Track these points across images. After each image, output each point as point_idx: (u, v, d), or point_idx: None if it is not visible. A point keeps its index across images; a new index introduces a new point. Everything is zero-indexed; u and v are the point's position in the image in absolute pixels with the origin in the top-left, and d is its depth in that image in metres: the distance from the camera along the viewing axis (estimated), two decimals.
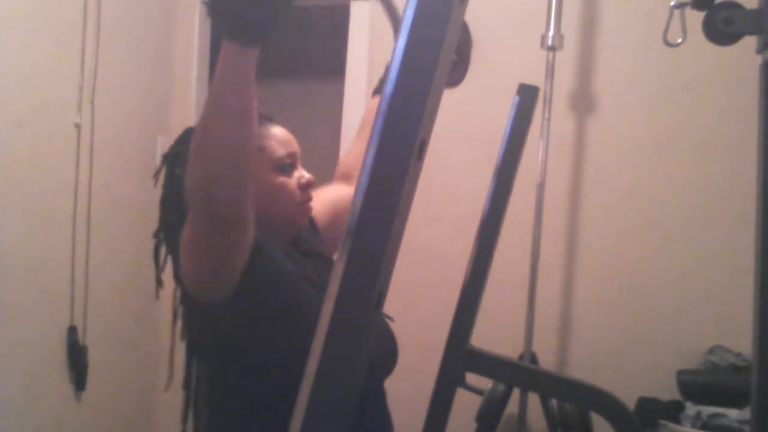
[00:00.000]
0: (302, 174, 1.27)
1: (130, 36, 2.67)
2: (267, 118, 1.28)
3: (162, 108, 2.89)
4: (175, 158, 1.25)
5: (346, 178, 1.53)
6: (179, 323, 1.28)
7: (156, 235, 1.27)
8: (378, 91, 1.62)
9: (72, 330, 2.41)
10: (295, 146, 1.27)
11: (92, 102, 2.44)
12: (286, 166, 1.25)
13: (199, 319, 1.20)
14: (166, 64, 2.91)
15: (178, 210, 1.22)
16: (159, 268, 1.30)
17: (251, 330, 1.16)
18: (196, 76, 2.96)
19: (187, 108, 2.94)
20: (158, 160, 3.01)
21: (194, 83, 2.95)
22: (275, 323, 1.16)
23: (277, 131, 1.26)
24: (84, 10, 2.39)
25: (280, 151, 1.24)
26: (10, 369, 2.18)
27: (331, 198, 1.48)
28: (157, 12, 2.84)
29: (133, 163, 2.72)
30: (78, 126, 2.41)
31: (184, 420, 1.34)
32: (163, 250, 1.28)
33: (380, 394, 1.34)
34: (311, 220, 1.39)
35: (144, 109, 2.78)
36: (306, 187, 1.27)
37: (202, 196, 1.01)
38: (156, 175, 1.31)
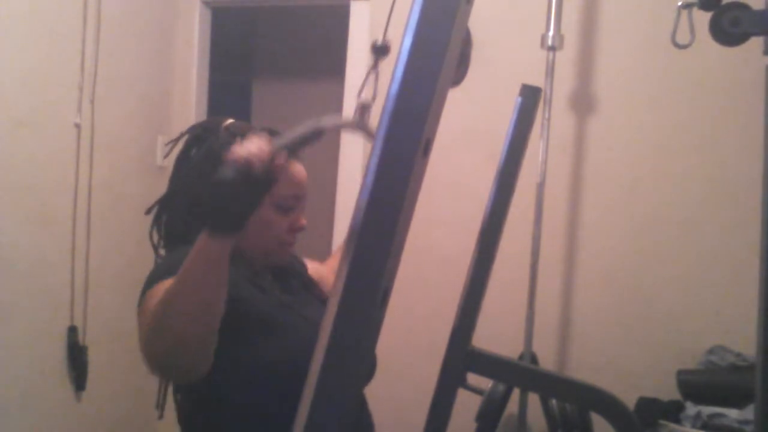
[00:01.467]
0: (299, 219, 1.27)
1: (130, 36, 2.67)
2: (293, 154, 1.27)
3: (162, 108, 2.89)
4: (194, 140, 1.26)
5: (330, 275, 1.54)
6: None
7: (151, 209, 1.28)
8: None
9: (72, 330, 2.41)
10: (302, 189, 1.27)
11: (92, 102, 2.44)
12: (288, 206, 1.25)
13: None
14: (166, 64, 2.91)
15: (181, 189, 1.22)
16: (155, 249, 1.30)
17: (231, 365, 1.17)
18: (196, 76, 2.96)
19: (187, 108, 2.94)
20: (158, 160, 3.01)
21: (194, 83, 2.95)
22: (247, 351, 1.18)
23: (294, 169, 1.25)
24: (84, 10, 2.39)
25: (286, 191, 1.22)
26: (10, 369, 2.18)
27: (321, 273, 1.49)
28: (157, 12, 2.84)
29: (133, 163, 2.72)
30: (78, 126, 2.41)
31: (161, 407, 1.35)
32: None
33: (362, 403, 1.35)
34: (299, 259, 1.41)
35: (144, 109, 2.78)
36: (296, 232, 1.27)
37: (163, 371, 1.07)
38: (170, 144, 1.31)
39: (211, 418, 1.22)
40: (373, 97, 1.00)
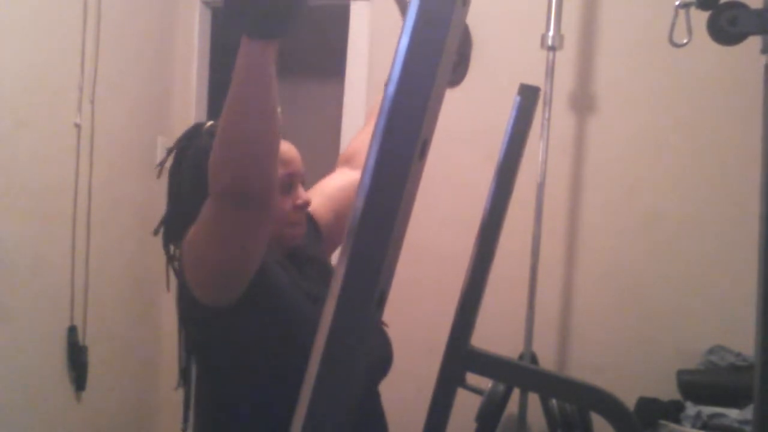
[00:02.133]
0: (299, 195, 1.26)
1: (130, 36, 2.67)
2: None
3: (162, 108, 2.89)
4: (183, 153, 1.25)
5: (349, 161, 1.52)
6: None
7: (157, 231, 1.28)
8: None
9: (72, 330, 2.41)
10: (298, 166, 1.26)
11: (92, 102, 2.44)
12: (286, 185, 1.24)
13: (201, 319, 1.20)
14: (166, 64, 2.91)
15: (183, 204, 1.22)
16: (170, 260, 1.29)
17: (250, 338, 1.17)
18: (196, 76, 2.96)
19: (187, 108, 2.94)
20: (158, 160, 3.01)
21: (194, 83, 2.95)
22: (272, 335, 1.17)
23: (284, 148, 1.25)
24: (84, 10, 2.39)
25: (281, 170, 1.22)
26: (10, 369, 2.18)
27: (333, 190, 1.47)
28: (157, 12, 2.84)
29: (133, 163, 2.72)
30: (78, 126, 2.41)
31: (185, 419, 1.35)
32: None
33: (375, 397, 1.34)
34: (313, 223, 1.38)
35: (144, 109, 2.79)
36: (301, 209, 1.26)
37: (236, 188, 1.00)
38: (160, 164, 1.31)
39: (229, 397, 1.21)
40: None
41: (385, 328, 1.34)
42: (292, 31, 0.88)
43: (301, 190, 1.27)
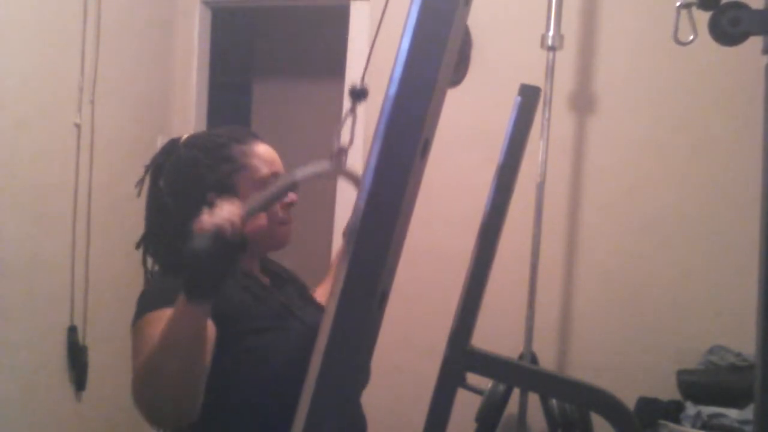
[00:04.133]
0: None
1: (130, 36, 2.67)
2: (252, 135, 1.29)
3: (162, 108, 2.89)
4: (158, 170, 1.27)
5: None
6: None
7: (138, 245, 1.29)
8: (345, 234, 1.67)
9: (72, 330, 2.41)
10: (278, 165, 1.29)
11: (92, 102, 2.44)
12: (270, 185, 1.25)
13: None
14: (166, 64, 2.91)
15: (160, 222, 1.24)
16: (148, 278, 1.31)
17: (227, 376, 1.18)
18: (196, 76, 2.96)
19: (187, 108, 2.94)
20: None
21: (194, 83, 2.95)
22: (244, 368, 1.19)
23: (262, 150, 1.28)
24: (84, 11, 2.39)
25: (264, 170, 1.25)
26: (10, 369, 2.18)
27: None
28: (157, 12, 2.84)
29: (133, 163, 2.70)
30: (78, 126, 2.41)
31: None
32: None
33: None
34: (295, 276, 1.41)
35: (144, 109, 2.78)
36: (288, 207, 1.28)
37: (152, 418, 1.08)
38: (139, 183, 1.32)
39: (212, 422, 1.22)
40: (350, 141, 1.00)
41: None
42: (214, 296, 0.97)
43: None
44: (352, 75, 2.71)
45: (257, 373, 1.18)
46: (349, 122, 1.00)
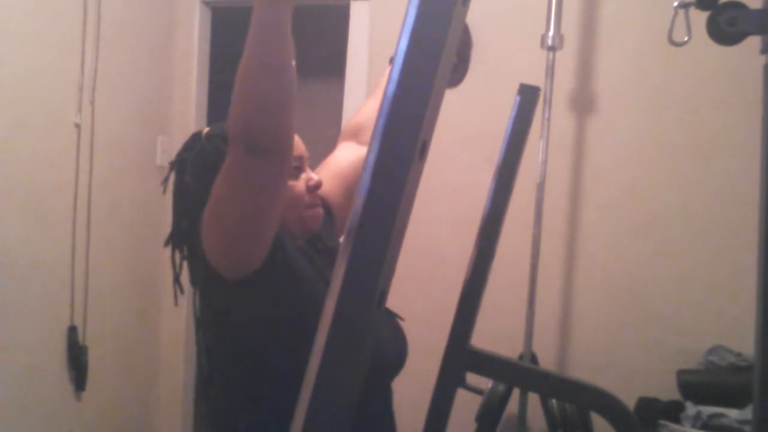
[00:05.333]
0: (310, 176, 1.27)
1: (130, 36, 2.67)
2: None
3: (162, 108, 2.89)
4: (183, 165, 1.25)
5: (357, 135, 1.51)
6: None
7: (168, 242, 1.27)
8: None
9: (72, 330, 2.41)
10: (302, 149, 1.27)
11: (92, 102, 2.44)
12: (294, 169, 1.24)
13: (219, 296, 1.19)
14: (166, 64, 2.91)
15: (190, 217, 1.22)
16: (177, 274, 1.28)
17: (266, 318, 1.16)
18: (196, 76, 2.96)
19: (187, 108, 2.94)
20: (158, 160, 3.02)
21: (194, 83, 2.95)
22: (287, 317, 1.16)
23: None
24: (84, 11, 2.40)
25: None
26: (10, 369, 2.18)
27: (342, 167, 1.46)
28: (157, 12, 2.84)
29: (133, 163, 2.72)
30: (78, 126, 2.41)
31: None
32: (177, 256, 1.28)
33: (388, 396, 1.34)
34: (326, 209, 1.38)
35: (144, 109, 2.79)
36: (314, 190, 1.27)
37: (253, 128, 1.01)
38: (164, 182, 1.31)
39: (243, 379, 1.20)
40: None
41: (401, 322, 1.34)
42: None
43: (310, 172, 1.28)
44: (352, 75, 2.71)
45: (297, 330, 1.16)
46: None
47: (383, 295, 0.52)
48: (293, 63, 1.00)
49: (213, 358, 1.27)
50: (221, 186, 1.08)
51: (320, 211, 1.29)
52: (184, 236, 1.23)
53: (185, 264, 1.26)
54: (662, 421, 1.96)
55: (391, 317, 1.34)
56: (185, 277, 1.27)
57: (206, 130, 1.27)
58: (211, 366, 1.27)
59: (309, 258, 1.24)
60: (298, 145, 1.26)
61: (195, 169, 1.23)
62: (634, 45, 2.32)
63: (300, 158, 1.26)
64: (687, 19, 0.91)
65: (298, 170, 1.25)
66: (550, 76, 2.16)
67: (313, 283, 1.20)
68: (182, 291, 1.29)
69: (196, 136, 1.27)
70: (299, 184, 1.25)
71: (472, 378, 1.18)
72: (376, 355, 1.19)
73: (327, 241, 1.35)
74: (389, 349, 1.27)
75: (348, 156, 1.48)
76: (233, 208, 1.07)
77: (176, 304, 1.36)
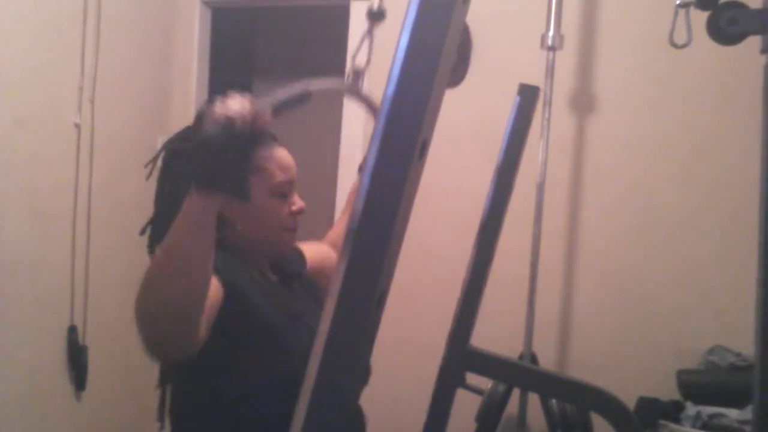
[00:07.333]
0: (295, 201, 1.28)
1: (130, 36, 2.67)
2: (272, 138, 1.28)
3: (162, 108, 2.89)
4: (174, 152, 1.26)
5: (334, 245, 1.57)
6: None
7: (144, 230, 1.28)
8: (362, 168, 1.69)
9: (72, 330, 2.41)
10: (293, 173, 1.28)
11: (92, 102, 2.44)
12: (282, 192, 1.26)
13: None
14: (166, 64, 2.91)
15: (173, 202, 1.22)
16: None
17: (225, 359, 1.17)
18: (196, 76, 2.96)
19: (187, 108, 2.94)
20: (158, 160, 3.00)
21: (194, 83, 2.95)
22: (245, 356, 1.18)
23: (280, 155, 1.27)
24: (84, 10, 2.40)
25: (280, 177, 1.25)
26: (10, 369, 2.18)
27: (323, 253, 1.50)
28: (157, 12, 2.84)
29: (133, 163, 2.71)
30: (78, 126, 2.41)
31: (160, 419, 1.34)
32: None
33: (358, 416, 1.35)
34: (300, 253, 1.40)
35: (144, 109, 2.79)
36: (296, 214, 1.28)
37: (156, 350, 1.04)
38: (150, 164, 1.31)
39: (210, 426, 1.21)
40: (367, 62, 0.99)
41: None
42: (236, 193, 0.95)
43: (296, 197, 1.29)
44: None
45: (265, 381, 1.18)
46: (366, 45, 1.00)
47: (383, 295, 0.52)
48: (209, 266, 0.99)
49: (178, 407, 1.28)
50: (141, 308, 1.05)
51: (294, 238, 1.31)
52: (166, 222, 1.24)
53: None
54: (662, 421, 1.96)
55: None
56: None
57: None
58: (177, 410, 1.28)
59: (261, 286, 1.24)
60: (289, 168, 1.27)
61: (185, 159, 1.23)
62: (634, 45, 2.32)
63: (290, 182, 1.27)
64: (688, 19, 0.91)
65: (287, 193, 1.27)
66: (550, 76, 2.16)
67: (264, 317, 1.21)
68: None
69: (190, 129, 1.28)
70: (283, 207, 1.26)
71: (472, 378, 1.18)
72: None
73: (294, 267, 1.37)
74: None
75: (328, 251, 1.53)
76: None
77: None
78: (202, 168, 0.92)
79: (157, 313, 0.98)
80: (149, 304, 0.99)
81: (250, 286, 1.20)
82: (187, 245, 0.95)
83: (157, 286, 0.97)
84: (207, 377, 1.19)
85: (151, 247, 1.29)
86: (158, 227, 1.27)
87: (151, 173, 1.31)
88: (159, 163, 1.31)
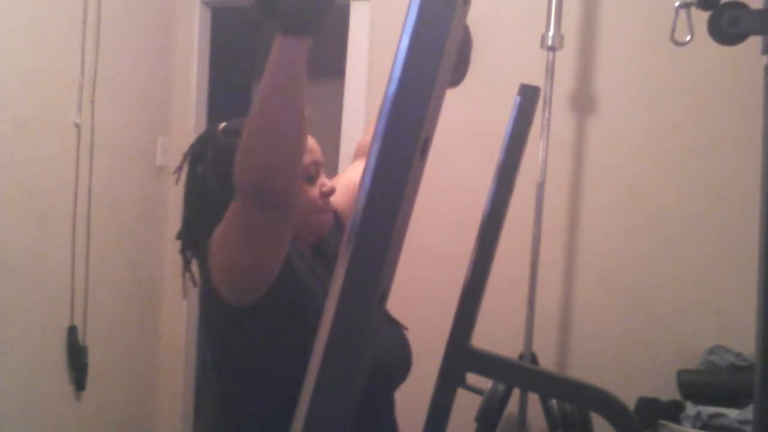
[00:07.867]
0: (324, 182, 1.27)
1: (130, 36, 2.67)
2: None
3: (162, 108, 2.89)
4: (198, 157, 1.25)
5: (365, 154, 1.52)
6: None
7: (179, 236, 1.27)
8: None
9: (72, 330, 2.41)
10: (319, 155, 1.27)
11: (92, 102, 2.44)
12: (311, 175, 1.25)
13: (224, 317, 1.20)
14: (166, 64, 2.91)
15: (204, 209, 1.22)
16: (187, 268, 1.28)
17: (270, 336, 1.17)
18: (196, 76, 2.96)
19: (187, 108, 2.94)
20: (158, 160, 3.01)
21: (194, 83, 2.95)
22: (291, 334, 1.17)
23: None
24: (84, 10, 2.40)
25: (306, 159, 1.22)
26: (10, 369, 2.18)
27: (354, 183, 1.47)
28: (157, 12, 2.84)
29: (133, 163, 2.72)
30: (78, 126, 2.41)
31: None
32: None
33: (390, 406, 1.34)
34: (336, 217, 1.38)
35: (144, 109, 2.79)
36: (327, 195, 1.27)
37: (260, 186, 1.01)
38: (177, 170, 1.30)
39: (260, 405, 1.21)
40: None
41: (405, 332, 1.34)
42: (321, 30, 0.95)
43: (324, 178, 1.28)
44: (352, 75, 2.71)
45: (308, 354, 1.15)
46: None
47: (384, 296, 0.52)
48: (306, 110, 1.00)
49: (215, 368, 1.27)
50: (228, 230, 1.08)
51: (330, 216, 1.30)
52: (196, 228, 1.24)
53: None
54: (662, 421, 1.96)
55: (396, 327, 1.35)
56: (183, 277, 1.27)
57: (223, 125, 1.27)
58: (215, 375, 1.27)
59: (314, 272, 1.24)
60: (315, 150, 1.27)
61: (213, 164, 1.23)
62: (634, 45, 2.32)
63: (317, 163, 1.26)
64: (689, 19, 0.91)
65: (315, 175, 1.26)
66: (550, 76, 2.16)
67: (312, 293, 1.20)
68: (195, 283, 1.28)
69: (211, 131, 1.27)
70: (313, 190, 1.25)
71: (472, 378, 1.18)
72: (380, 365, 1.20)
73: (334, 247, 1.35)
74: (393, 359, 1.28)
75: (360, 171, 1.48)
76: (240, 252, 1.08)
77: (185, 296, 1.36)
78: (293, 10, 0.92)
79: (265, 151, 0.98)
80: (256, 146, 0.98)
81: (303, 269, 1.20)
82: (284, 90, 0.97)
83: (261, 129, 0.98)
84: (257, 357, 1.18)
85: (184, 252, 1.28)
86: (191, 231, 1.26)
87: (178, 180, 1.30)
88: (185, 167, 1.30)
